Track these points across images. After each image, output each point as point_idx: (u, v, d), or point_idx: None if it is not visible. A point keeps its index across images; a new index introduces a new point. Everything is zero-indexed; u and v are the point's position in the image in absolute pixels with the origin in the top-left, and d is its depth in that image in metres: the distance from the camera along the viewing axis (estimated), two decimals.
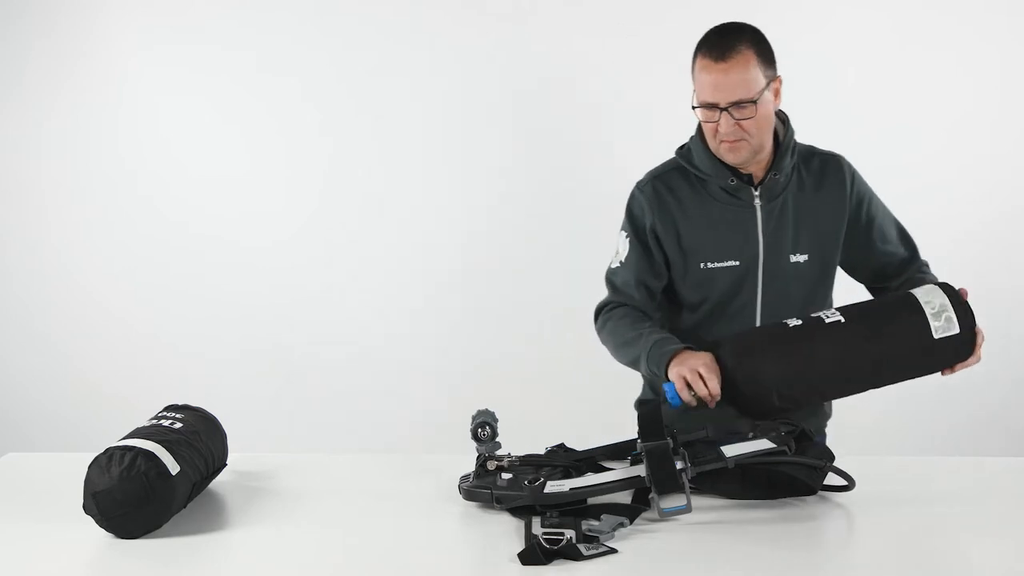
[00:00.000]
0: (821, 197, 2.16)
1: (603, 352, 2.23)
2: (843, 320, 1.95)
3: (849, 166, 2.21)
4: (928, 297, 1.95)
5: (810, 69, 3.50)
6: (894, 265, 2.24)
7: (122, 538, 1.75)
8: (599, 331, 2.23)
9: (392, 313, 3.74)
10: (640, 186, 2.21)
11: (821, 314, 1.97)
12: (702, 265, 2.15)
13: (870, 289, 2.31)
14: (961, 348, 1.95)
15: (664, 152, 2.26)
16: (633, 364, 2.13)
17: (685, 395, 1.93)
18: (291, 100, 3.67)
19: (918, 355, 1.95)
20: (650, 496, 1.79)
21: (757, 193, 2.13)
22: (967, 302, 1.96)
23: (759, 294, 2.14)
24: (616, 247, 2.23)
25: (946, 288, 1.96)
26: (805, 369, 1.94)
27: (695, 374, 1.92)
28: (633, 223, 2.20)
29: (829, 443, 2.17)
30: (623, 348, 2.14)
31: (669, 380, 1.96)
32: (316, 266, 3.73)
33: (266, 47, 3.64)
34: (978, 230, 3.59)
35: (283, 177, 3.71)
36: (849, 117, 3.52)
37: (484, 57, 3.62)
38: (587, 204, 3.61)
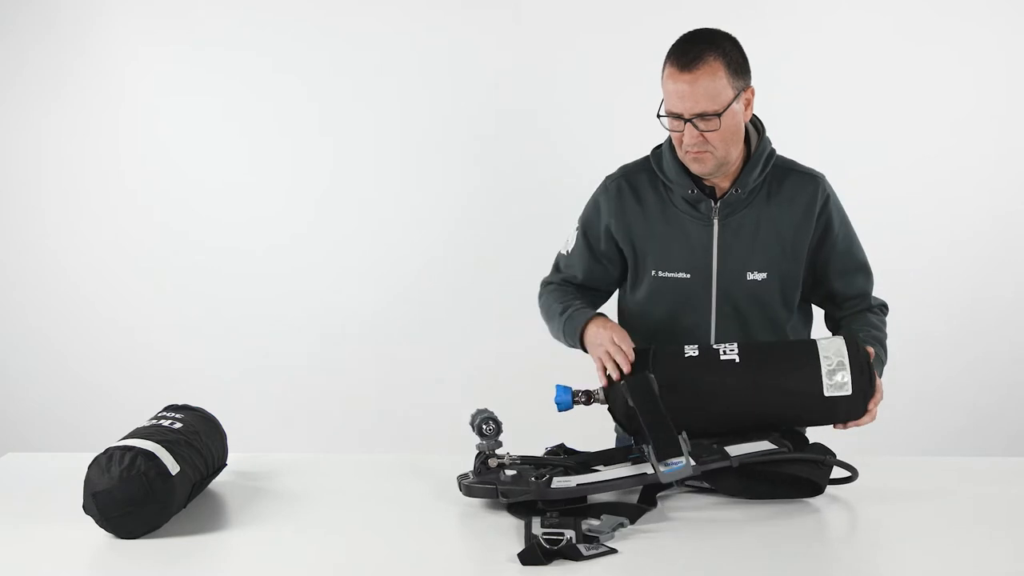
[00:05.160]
0: (788, 215, 2.09)
1: None
2: (737, 360, 1.89)
3: (825, 189, 2.12)
4: (828, 352, 1.88)
5: (810, 69, 3.51)
6: (840, 297, 2.17)
7: (122, 538, 1.75)
8: (539, 305, 2.27)
9: (392, 314, 3.73)
10: (607, 183, 2.20)
11: (721, 347, 1.93)
12: (654, 272, 2.13)
13: (823, 308, 2.25)
14: (852, 409, 1.89)
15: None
16: (556, 337, 2.19)
17: (601, 378, 1.96)
18: (292, 100, 3.66)
19: (804, 407, 1.89)
20: (652, 501, 1.78)
21: (716, 207, 2.08)
22: (870, 364, 1.89)
23: (713, 310, 2.11)
24: (568, 235, 2.25)
25: (851, 347, 1.89)
26: (686, 403, 1.88)
27: (615, 349, 1.94)
28: (587, 219, 2.22)
29: (829, 443, 2.15)
30: (549, 322, 2.22)
31: (563, 387, 1.95)
32: (317, 267, 3.72)
33: (267, 47, 3.63)
34: (979, 230, 3.59)
35: (284, 178, 3.70)
36: (849, 117, 3.52)
37: (486, 57, 3.61)
38: None
